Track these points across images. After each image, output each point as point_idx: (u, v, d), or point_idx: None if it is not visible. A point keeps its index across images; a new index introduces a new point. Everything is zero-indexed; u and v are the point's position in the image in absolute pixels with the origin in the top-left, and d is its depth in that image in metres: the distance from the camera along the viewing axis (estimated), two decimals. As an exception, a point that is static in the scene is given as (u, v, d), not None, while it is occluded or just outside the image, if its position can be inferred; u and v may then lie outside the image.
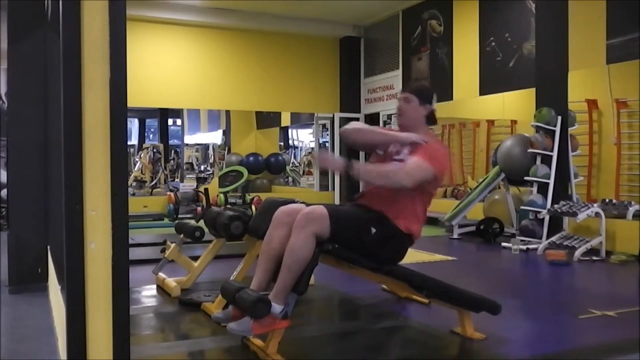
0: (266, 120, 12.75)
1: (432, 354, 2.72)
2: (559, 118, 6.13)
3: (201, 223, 4.02)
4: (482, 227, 6.61)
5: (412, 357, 2.69)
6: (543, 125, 6.13)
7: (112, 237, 1.68)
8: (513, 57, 7.39)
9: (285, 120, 12.74)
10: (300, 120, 12.62)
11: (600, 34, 6.11)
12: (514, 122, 8.90)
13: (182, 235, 3.99)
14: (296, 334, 2.82)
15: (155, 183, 11.33)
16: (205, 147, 14.37)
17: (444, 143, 2.85)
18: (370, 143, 2.92)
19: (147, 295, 3.85)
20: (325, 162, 2.80)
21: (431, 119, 2.91)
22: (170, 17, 9.32)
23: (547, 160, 6.14)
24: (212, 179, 11.86)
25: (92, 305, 1.66)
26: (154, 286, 3.99)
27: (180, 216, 8.84)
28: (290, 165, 13.35)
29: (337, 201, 10.20)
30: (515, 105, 8.41)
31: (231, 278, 3.27)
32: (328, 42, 10.69)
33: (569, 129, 6.23)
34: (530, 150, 6.23)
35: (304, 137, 14.28)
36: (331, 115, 10.69)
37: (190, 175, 13.07)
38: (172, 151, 13.36)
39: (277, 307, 2.39)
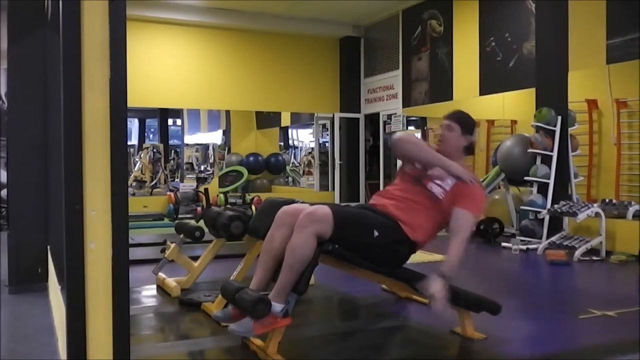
0: (266, 120, 12.74)
1: (432, 354, 2.72)
2: (559, 118, 6.13)
3: (201, 223, 4.01)
4: (482, 227, 6.60)
5: (412, 357, 2.70)
6: (543, 125, 6.13)
7: (112, 237, 1.68)
8: (513, 57, 7.39)
9: (285, 120, 12.74)
10: (300, 120, 12.62)
11: (600, 34, 6.11)
12: (514, 122, 8.89)
13: (182, 235, 3.99)
14: (296, 334, 2.82)
15: (155, 183, 11.34)
16: (205, 147, 14.36)
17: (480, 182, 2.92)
18: (421, 160, 2.84)
19: (147, 295, 3.84)
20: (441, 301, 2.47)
21: (470, 150, 2.93)
22: (170, 17, 9.31)
23: (547, 160, 6.13)
24: (212, 179, 11.85)
25: (92, 305, 1.66)
26: (154, 286, 3.99)
27: (180, 216, 8.83)
28: (290, 165, 13.35)
29: (337, 201, 10.20)
30: (515, 105, 8.41)
31: (231, 278, 3.27)
32: (328, 42, 10.69)
33: (569, 129, 6.23)
34: (530, 150, 6.22)
35: (304, 137, 14.27)
36: (331, 115, 10.70)
37: (190, 175, 13.06)
38: (172, 151, 13.36)
39: (277, 307, 2.39)
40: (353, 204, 3.04)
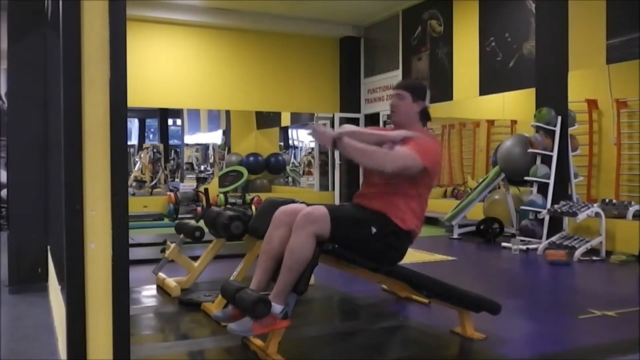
0: (266, 120, 12.74)
1: (432, 354, 2.72)
2: (559, 118, 6.13)
3: (201, 223, 4.02)
4: (482, 227, 6.61)
5: (412, 357, 2.70)
6: (543, 125, 6.13)
7: (112, 237, 1.68)
8: (513, 57, 7.39)
9: (285, 120, 12.74)
10: (300, 120, 12.62)
11: (600, 34, 6.11)
12: (514, 122, 8.89)
13: (182, 235, 3.99)
14: (296, 334, 2.82)
15: (155, 183, 11.34)
16: (205, 147, 14.37)
17: (437, 139, 2.73)
18: (371, 142, 2.84)
19: (147, 295, 3.85)
20: (317, 134, 2.69)
21: (425, 115, 2.88)
22: (170, 17, 9.31)
23: (547, 160, 6.14)
24: (212, 179, 11.86)
25: (92, 305, 1.66)
26: (154, 286, 3.99)
27: (180, 216, 8.84)
28: (290, 165, 13.36)
29: (337, 201, 10.20)
30: (515, 105, 8.41)
31: (231, 278, 3.27)
32: (328, 42, 10.69)
33: (569, 129, 6.23)
34: (530, 150, 6.23)
35: (304, 137, 14.28)
36: (331, 115, 10.69)
37: (190, 175, 13.07)
38: (172, 151, 13.36)
39: (277, 307, 2.39)
40: (347, 204, 3.02)
